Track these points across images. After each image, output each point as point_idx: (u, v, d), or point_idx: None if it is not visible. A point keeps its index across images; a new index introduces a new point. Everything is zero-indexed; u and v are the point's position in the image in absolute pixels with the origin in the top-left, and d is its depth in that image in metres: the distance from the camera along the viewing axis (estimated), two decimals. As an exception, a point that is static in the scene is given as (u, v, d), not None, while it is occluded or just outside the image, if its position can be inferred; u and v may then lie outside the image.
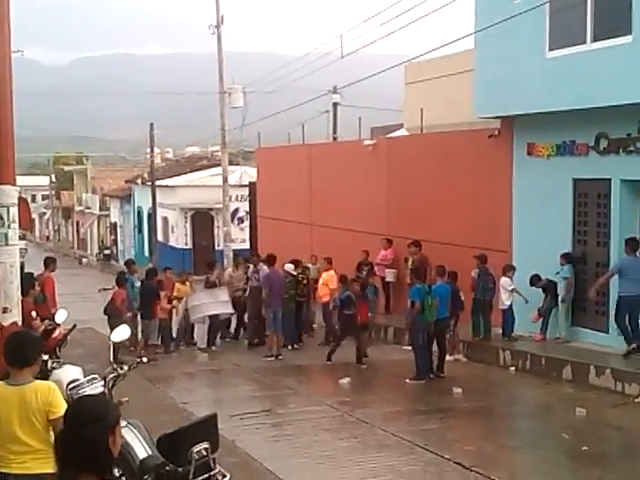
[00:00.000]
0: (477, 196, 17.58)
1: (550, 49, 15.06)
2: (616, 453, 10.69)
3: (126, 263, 21.68)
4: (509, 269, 15.72)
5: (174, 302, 18.44)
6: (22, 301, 7.98)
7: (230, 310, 18.76)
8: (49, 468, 5.30)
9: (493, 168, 17.14)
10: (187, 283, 19.32)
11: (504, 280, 15.57)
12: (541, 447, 10.74)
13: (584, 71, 14.18)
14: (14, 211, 7.43)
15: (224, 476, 6.52)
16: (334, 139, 31.75)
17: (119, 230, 52.78)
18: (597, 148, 14.69)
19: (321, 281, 18.86)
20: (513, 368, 14.77)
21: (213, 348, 18.38)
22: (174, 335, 18.71)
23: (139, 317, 17.84)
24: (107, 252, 52.93)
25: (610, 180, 14.53)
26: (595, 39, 14.16)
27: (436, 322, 14.25)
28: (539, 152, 16.03)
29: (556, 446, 10.57)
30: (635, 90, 13.02)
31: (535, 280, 15.31)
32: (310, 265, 20.32)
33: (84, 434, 3.77)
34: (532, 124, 15.97)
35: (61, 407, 5.37)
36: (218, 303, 18.39)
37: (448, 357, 14.96)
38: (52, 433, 5.45)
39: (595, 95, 13.81)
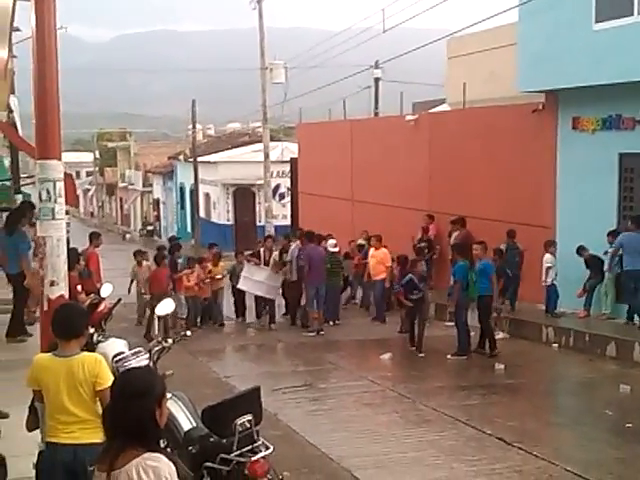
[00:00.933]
0: (520, 172, 17.41)
1: (596, 21, 14.86)
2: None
3: (170, 241, 21.34)
4: (550, 245, 15.59)
5: (206, 282, 18.00)
6: (68, 275, 8.07)
7: (272, 295, 18.03)
8: (97, 438, 5.36)
9: (537, 143, 16.97)
10: (221, 264, 18.87)
11: (547, 256, 15.44)
12: (584, 424, 10.67)
13: (631, 44, 13.99)
14: (60, 186, 7.49)
15: (267, 448, 6.56)
16: (375, 114, 31.55)
17: (162, 206, 53.14)
18: (645, 122, 14.52)
19: (373, 259, 18.37)
20: (556, 345, 14.67)
21: (272, 326, 17.92)
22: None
23: None
24: (150, 228, 53.40)
25: (657, 154, 14.36)
26: (643, 10, 13.98)
27: (479, 299, 14.15)
28: (584, 126, 15.86)
29: (599, 423, 10.51)
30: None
31: (581, 250, 15.17)
32: (362, 242, 20.18)
33: (131, 407, 3.83)
34: (577, 98, 15.77)
35: (108, 379, 5.43)
36: (262, 284, 17.73)
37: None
38: (99, 404, 5.54)
39: (642, 68, 13.63)
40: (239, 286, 18.15)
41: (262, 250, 18.74)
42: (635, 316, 14.42)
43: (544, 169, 16.77)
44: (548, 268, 15.42)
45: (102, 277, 15.87)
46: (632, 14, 14.16)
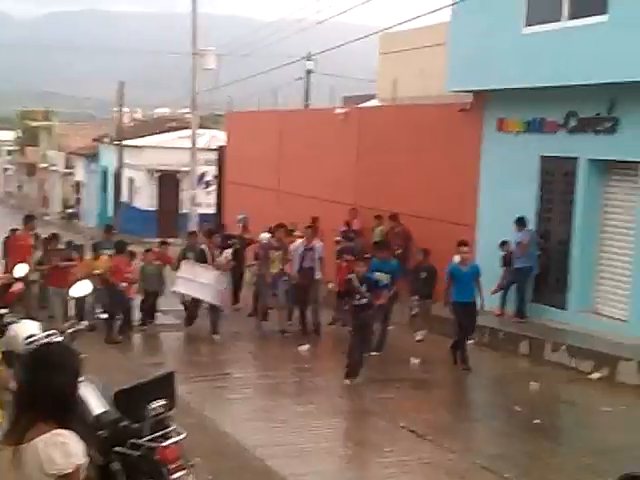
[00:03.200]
0: (446, 169, 17.65)
1: (526, 25, 15.12)
2: (567, 427, 10.91)
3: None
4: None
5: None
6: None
7: (217, 301, 15.59)
8: None
9: (463, 142, 17.22)
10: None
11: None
12: (494, 419, 10.94)
13: (558, 49, 14.27)
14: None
15: (179, 434, 6.53)
16: (306, 106, 31.62)
17: (83, 189, 52.20)
18: (566, 126, 14.81)
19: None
20: (471, 341, 14.94)
21: (215, 337, 15.34)
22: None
23: None
24: (70, 211, 52.39)
25: (577, 159, 14.68)
26: (571, 17, 14.25)
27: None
28: (509, 128, 16.13)
29: (509, 418, 10.77)
30: (607, 70, 13.14)
31: (504, 245, 15.40)
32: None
33: (53, 379, 3.74)
34: (503, 100, 16.05)
35: None
36: (209, 287, 15.47)
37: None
38: None
39: (568, 73, 13.91)
40: (175, 289, 16.09)
41: (205, 247, 16.04)
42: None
43: (468, 168, 17.02)
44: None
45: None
46: (560, 19, 14.47)
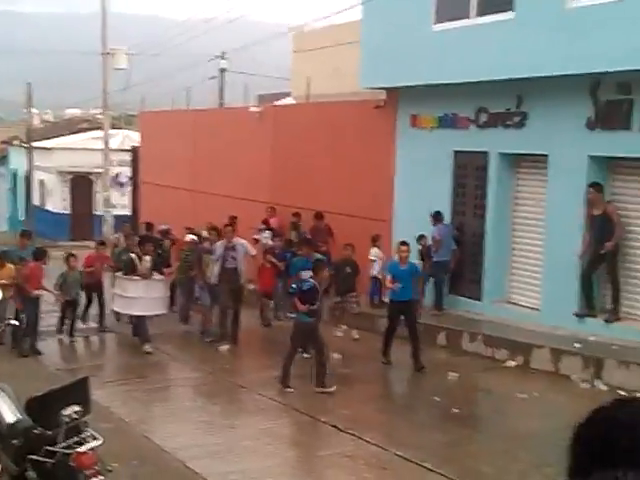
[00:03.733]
0: (362, 166, 17.76)
1: (436, 22, 15.29)
2: (484, 414, 11.12)
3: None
4: (377, 239, 16.05)
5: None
6: None
7: (161, 310, 14.95)
8: None
9: (378, 138, 17.35)
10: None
11: (372, 250, 15.91)
12: (414, 410, 11.09)
13: (468, 45, 14.45)
14: None
15: (95, 439, 6.44)
16: (220, 105, 31.42)
17: (-7, 193, 50.82)
18: (477, 122, 15.04)
19: None
20: (355, 333, 15.07)
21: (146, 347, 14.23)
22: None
23: None
24: (-21, 216, 50.94)
25: (488, 153, 14.93)
26: (479, 14, 14.47)
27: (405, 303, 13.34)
28: (422, 124, 16.28)
29: (429, 409, 10.95)
30: (515, 66, 13.36)
31: (421, 239, 15.44)
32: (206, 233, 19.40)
33: None
34: (416, 96, 16.20)
35: None
36: (152, 300, 14.66)
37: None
38: None
39: (478, 69, 14.12)
40: (115, 308, 15.34)
41: (134, 256, 14.70)
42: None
43: (384, 164, 17.15)
44: (372, 261, 15.89)
45: None
46: (469, 17, 14.69)
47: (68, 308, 15.42)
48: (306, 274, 12.85)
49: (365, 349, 14.06)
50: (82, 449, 6.29)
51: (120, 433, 9.44)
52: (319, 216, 18.10)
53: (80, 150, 36.70)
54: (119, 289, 14.87)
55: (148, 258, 14.76)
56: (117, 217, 28.23)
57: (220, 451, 9.34)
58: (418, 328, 12.95)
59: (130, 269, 14.59)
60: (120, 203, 32.75)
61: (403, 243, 13.41)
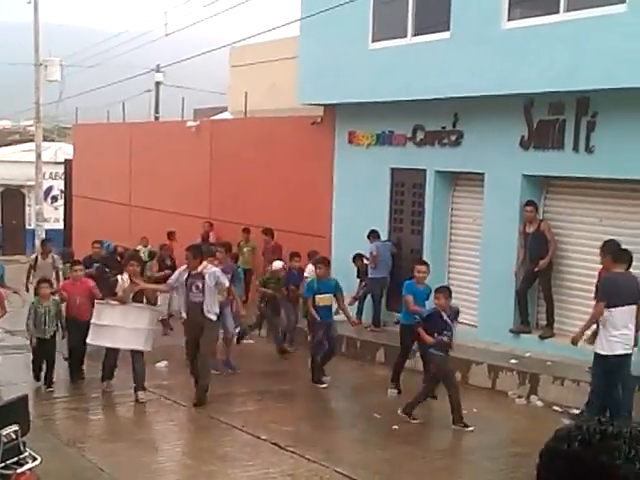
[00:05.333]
0: (299, 182, 17.80)
1: (373, 41, 15.41)
2: (424, 431, 11.16)
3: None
4: (313, 255, 15.68)
5: None
6: None
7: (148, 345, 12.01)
8: None
9: (315, 155, 17.41)
10: None
11: (308, 267, 15.59)
12: (355, 427, 11.09)
13: (404, 64, 14.58)
14: None
15: (34, 459, 6.35)
16: (156, 119, 31.20)
17: None
18: (414, 139, 15.18)
19: None
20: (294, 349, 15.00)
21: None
22: None
23: None
24: None
25: (425, 170, 15.07)
26: (416, 33, 14.63)
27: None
28: (359, 141, 16.39)
29: (369, 426, 10.93)
30: (451, 85, 13.51)
31: (357, 259, 15.59)
32: (141, 247, 18.92)
33: None
34: (354, 113, 16.31)
35: None
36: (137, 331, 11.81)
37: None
38: None
39: (414, 88, 14.23)
40: (90, 341, 12.26)
41: (122, 278, 12.17)
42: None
43: (322, 180, 17.21)
44: (306, 278, 15.60)
45: None
46: (406, 36, 14.85)
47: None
48: (325, 298, 12.73)
49: (304, 365, 14.02)
50: (21, 470, 6.22)
51: (58, 452, 9.31)
52: (267, 232, 17.84)
53: (11, 162, 36.00)
54: (111, 319, 11.91)
55: (125, 277, 12.13)
56: (49, 231, 27.77)
57: (159, 470, 9.24)
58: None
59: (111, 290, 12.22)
60: (54, 217, 32.22)
61: (422, 263, 12.46)
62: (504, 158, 13.44)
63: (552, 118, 12.73)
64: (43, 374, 12.57)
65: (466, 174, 14.57)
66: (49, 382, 12.46)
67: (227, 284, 12.04)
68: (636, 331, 9.91)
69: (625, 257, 10.02)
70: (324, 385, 12.72)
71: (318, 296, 12.66)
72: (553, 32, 12.13)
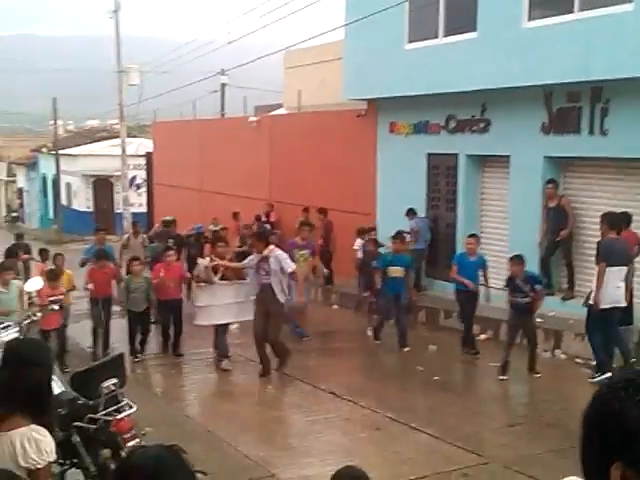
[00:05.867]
0: (347, 167, 17.76)
1: (409, 42, 15.30)
2: (461, 381, 11.17)
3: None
4: (361, 231, 15.20)
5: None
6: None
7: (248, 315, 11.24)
8: None
9: (361, 143, 17.34)
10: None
11: (357, 241, 15.30)
12: (400, 378, 11.11)
13: (436, 62, 14.45)
14: None
15: (131, 407, 6.50)
16: (222, 115, 31.29)
17: (25, 195, 50.48)
18: (447, 127, 15.06)
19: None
20: (336, 306, 14.95)
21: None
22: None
23: None
24: (14, 214, 50.66)
25: (457, 155, 14.96)
26: (446, 34, 14.50)
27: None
28: (399, 130, 16.29)
29: (413, 377, 10.96)
30: (478, 79, 13.40)
31: (410, 213, 15.28)
32: (212, 227, 18.61)
33: (28, 373, 3.55)
34: (393, 106, 16.20)
35: None
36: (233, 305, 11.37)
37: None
38: None
39: (445, 82, 14.13)
40: (198, 322, 11.65)
41: (208, 259, 11.71)
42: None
43: (367, 165, 17.16)
44: (356, 250, 15.51)
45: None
46: (437, 37, 14.70)
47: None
48: (397, 270, 12.09)
49: (357, 326, 14.03)
50: (120, 416, 6.34)
51: (150, 401, 9.48)
52: (322, 211, 17.31)
53: (101, 156, 36.61)
54: (218, 299, 11.34)
55: (204, 261, 11.74)
56: (135, 214, 28.16)
57: (235, 417, 9.36)
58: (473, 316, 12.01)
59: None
60: (137, 202, 32.68)
61: (471, 235, 12.32)
62: (527, 142, 13.27)
63: (569, 105, 12.54)
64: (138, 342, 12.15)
65: (494, 157, 14.39)
66: (142, 349, 12.15)
67: (290, 268, 10.70)
68: (627, 289, 10.06)
69: (618, 224, 10.07)
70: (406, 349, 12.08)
71: (390, 267, 12.12)
72: (568, 29, 11.93)
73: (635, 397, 1.47)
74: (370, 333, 13.01)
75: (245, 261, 11.14)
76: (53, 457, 3.60)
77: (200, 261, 11.76)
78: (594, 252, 11.02)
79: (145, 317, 12.15)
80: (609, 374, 9.82)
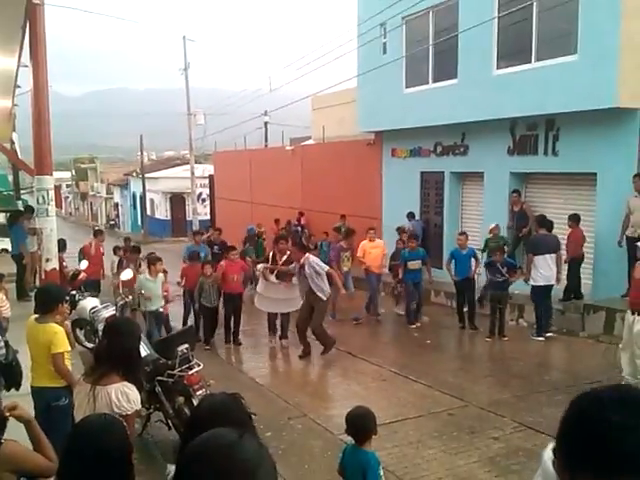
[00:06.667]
0: (361, 183, 17.76)
1: (406, 87, 15.27)
2: (447, 343, 11.09)
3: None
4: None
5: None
6: (58, 256, 7.74)
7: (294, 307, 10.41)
8: (56, 384, 4.97)
9: (370, 165, 17.33)
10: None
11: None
12: (400, 341, 11.05)
13: (427, 102, 14.41)
14: (51, 193, 7.17)
15: (199, 365, 6.55)
16: (265, 146, 31.39)
17: (120, 208, 51.16)
18: (435, 152, 15.02)
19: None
20: (383, 293, 14.69)
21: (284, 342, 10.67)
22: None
23: None
24: (112, 222, 51.30)
25: (443, 172, 14.91)
26: (434, 81, 14.45)
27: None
28: (398, 154, 16.28)
29: (410, 340, 10.89)
30: (459, 114, 13.38)
31: (410, 216, 15.12)
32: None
33: (122, 342, 3.63)
34: (394, 136, 16.17)
35: (59, 346, 4.88)
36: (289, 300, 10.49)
37: None
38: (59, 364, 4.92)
39: (434, 117, 14.11)
40: (256, 304, 10.89)
41: (271, 255, 10.56)
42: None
43: (375, 181, 17.15)
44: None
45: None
46: (428, 83, 14.65)
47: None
48: (415, 263, 11.54)
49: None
50: (191, 372, 6.38)
51: (214, 361, 9.46)
52: (342, 217, 16.98)
53: (176, 178, 36.95)
54: (273, 293, 10.45)
55: (261, 266, 10.69)
56: (201, 221, 28.37)
57: (283, 373, 9.42)
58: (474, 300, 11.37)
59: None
60: (203, 212, 32.91)
61: (461, 233, 11.87)
62: (497, 161, 13.18)
63: (529, 133, 12.44)
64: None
65: (471, 173, 14.32)
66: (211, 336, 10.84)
67: (322, 270, 9.68)
68: (558, 272, 10.31)
69: (546, 224, 10.57)
70: (418, 324, 11.64)
71: (410, 262, 11.63)
72: (528, 75, 11.83)
73: (610, 409, 1.17)
74: (400, 312, 12.36)
75: (291, 266, 10.08)
76: (139, 406, 3.67)
77: (258, 266, 10.71)
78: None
79: (216, 312, 10.80)
80: (547, 334, 10.36)
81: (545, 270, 10.24)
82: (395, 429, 6.68)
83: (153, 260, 9.96)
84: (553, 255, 10.28)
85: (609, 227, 10.71)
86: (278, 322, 10.84)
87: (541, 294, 10.36)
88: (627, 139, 10.60)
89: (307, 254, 9.85)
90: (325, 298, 9.73)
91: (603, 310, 10.22)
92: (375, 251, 12.45)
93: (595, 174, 11.18)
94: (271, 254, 10.53)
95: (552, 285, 10.34)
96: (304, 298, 9.92)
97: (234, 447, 1.25)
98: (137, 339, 3.84)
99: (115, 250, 13.85)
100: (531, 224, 12.34)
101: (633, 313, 7.56)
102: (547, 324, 10.48)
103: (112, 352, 3.65)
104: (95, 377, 3.69)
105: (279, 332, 10.79)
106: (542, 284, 10.27)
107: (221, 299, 10.77)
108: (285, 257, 10.23)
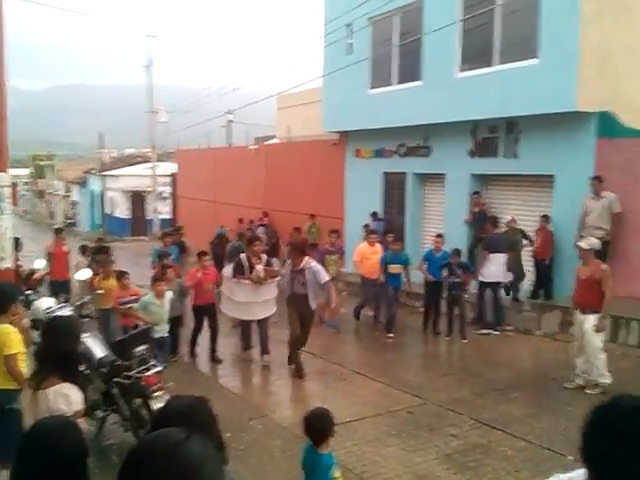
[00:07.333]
0: (324, 182, 17.78)
1: (371, 88, 15.35)
2: (407, 342, 11.12)
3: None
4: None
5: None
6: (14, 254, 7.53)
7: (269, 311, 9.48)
8: (10, 386, 4.84)
9: (334, 165, 17.36)
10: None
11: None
12: (362, 341, 11.04)
13: (391, 103, 14.51)
14: (7, 191, 6.99)
15: (157, 367, 6.45)
16: (229, 145, 31.17)
17: (78, 206, 50.07)
18: (398, 153, 15.13)
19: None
20: (345, 293, 14.23)
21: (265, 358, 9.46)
22: None
23: None
24: (69, 221, 50.14)
25: (406, 173, 15.04)
26: (399, 82, 14.57)
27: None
28: (362, 155, 16.34)
29: (372, 340, 10.87)
30: (422, 116, 13.52)
31: (373, 215, 15.16)
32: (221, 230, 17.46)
33: (59, 343, 3.55)
34: (358, 137, 16.24)
35: (12, 347, 4.75)
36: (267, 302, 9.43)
37: None
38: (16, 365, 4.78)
39: (398, 119, 14.22)
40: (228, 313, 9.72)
41: (244, 258, 9.29)
42: None
43: (338, 181, 17.19)
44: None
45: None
46: (392, 84, 14.76)
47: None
48: (396, 267, 10.82)
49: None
50: (148, 373, 6.30)
51: (176, 363, 9.23)
52: (312, 217, 16.96)
53: (136, 176, 36.33)
54: (242, 296, 9.29)
55: (260, 268, 9.28)
56: (162, 220, 28.02)
57: (250, 375, 9.27)
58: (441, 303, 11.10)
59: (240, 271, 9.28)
60: (164, 210, 32.48)
61: (438, 235, 11.39)
62: (458, 163, 13.37)
63: (490, 136, 12.65)
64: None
65: (433, 175, 14.48)
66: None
67: (324, 279, 8.60)
68: (508, 270, 10.88)
69: (497, 224, 11.35)
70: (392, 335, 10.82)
71: (390, 265, 10.85)
72: (489, 78, 12.03)
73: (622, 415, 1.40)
74: (371, 313, 11.94)
75: (283, 270, 9.18)
76: (80, 407, 3.56)
77: (258, 268, 9.20)
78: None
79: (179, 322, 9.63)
80: (494, 331, 10.79)
81: (496, 267, 10.75)
82: (355, 427, 6.72)
83: (157, 278, 8.34)
84: (503, 255, 10.79)
85: (565, 228, 10.99)
86: (254, 332, 9.63)
87: (491, 290, 10.90)
88: (585, 142, 10.90)
89: (308, 258, 8.76)
90: (314, 307, 8.87)
91: (559, 309, 10.48)
92: (375, 257, 11.25)
93: (553, 176, 11.46)
94: (244, 257, 9.22)
95: (499, 283, 10.90)
96: (288, 307, 8.82)
97: (179, 446, 1.26)
98: (76, 339, 3.75)
99: (83, 250, 12.66)
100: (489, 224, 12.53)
101: (583, 312, 7.77)
102: (500, 320, 10.96)
103: (51, 353, 3.57)
104: (36, 382, 3.60)
105: (258, 347, 9.51)
106: (489, 280, 10.77)
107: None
108: (261, 261, 9.11)
